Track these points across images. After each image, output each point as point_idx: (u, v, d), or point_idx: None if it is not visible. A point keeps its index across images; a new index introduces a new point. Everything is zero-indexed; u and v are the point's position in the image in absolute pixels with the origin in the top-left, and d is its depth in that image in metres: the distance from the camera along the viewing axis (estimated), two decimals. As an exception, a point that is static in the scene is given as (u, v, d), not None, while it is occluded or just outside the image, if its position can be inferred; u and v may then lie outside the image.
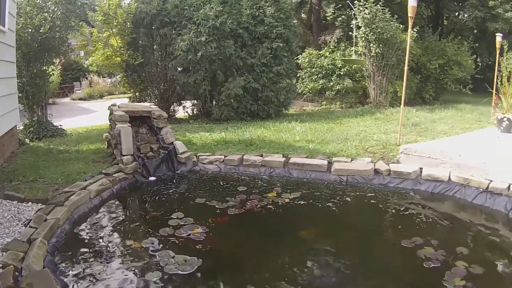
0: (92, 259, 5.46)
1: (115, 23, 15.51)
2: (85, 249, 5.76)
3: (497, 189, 7.45)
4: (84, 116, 21.68)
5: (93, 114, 21.88)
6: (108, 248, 5.80)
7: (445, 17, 31.54)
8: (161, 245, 5.84)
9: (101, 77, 34.61)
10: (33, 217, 6.11)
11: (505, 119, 10.60)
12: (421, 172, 8.45)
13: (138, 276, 5.07)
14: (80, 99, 31.56)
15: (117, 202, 7.71)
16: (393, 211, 7.40)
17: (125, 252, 5.70)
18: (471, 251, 5.79)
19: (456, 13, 28.90)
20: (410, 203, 7.66)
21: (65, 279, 4.92)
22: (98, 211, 7.10)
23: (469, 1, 25.40)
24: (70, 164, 9.16)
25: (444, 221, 6.88)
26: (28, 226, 5.88)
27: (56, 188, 7.54)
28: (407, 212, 7.22)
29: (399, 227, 6.89)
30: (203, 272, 5.22)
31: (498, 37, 13.22)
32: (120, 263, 5.38)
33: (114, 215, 7.09)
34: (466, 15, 27.30)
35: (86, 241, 6.04)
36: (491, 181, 7.62)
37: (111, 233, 6.34)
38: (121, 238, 6.20)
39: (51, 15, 13.07)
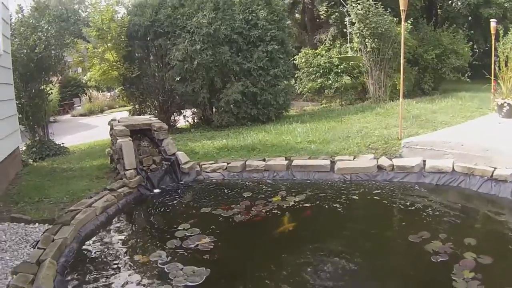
0: (101, 277, 5.47)
1: (110, 38, 15.55)
2: (94, 267, 5.78)
3: (501, 176, 7.44)
4: (85, 132, 21.73)
5: (95, 129, 21.94)
6: (117, 264, 5.82)
7: (438, 7, 31.46)
8: (169, 258, 5.85)
9: (100, 91, 34.70)
10: (40, 238, 6.13)
11: (505, 104, 10.56)
12: (424, 164, 8.44)
13: (148, 290, 5.10)
14: (81, 115, 31.65)
15: (123, 217, 7.73)
16: (399, 206, 7.39)
17: (134, 267, 5.73)
18: (479, 242, 5.76)
19: (449, 1, 28.85)
20: (415, 197, 7.66)
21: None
22: (105, 228, 7.12)
23: (462, -13, 25.44)
24: (75, 182, 9.18)
25: (450, 213, 6.89)
26: (36, 247, 5.90)
27: (62, 208, 7.54)
28: (413, 207, 7.21)
29: (406, 222, 6.88)
30: (212, 282, 5.24)
31: (492, 23, 13.18)
32: (129, 279, 5.39)
33: (121, 231, 7.13)
34: (459, 3, 27.22)
35: (94, 258, 6.06)
36: (495, 168, 7.61)
37: (119, 249, 6.37)
38: (129, 253, 6.20)
39: (45, 34, 13.05)
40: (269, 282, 5.22)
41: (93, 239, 6.66)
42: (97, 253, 6.23)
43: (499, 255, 5.48)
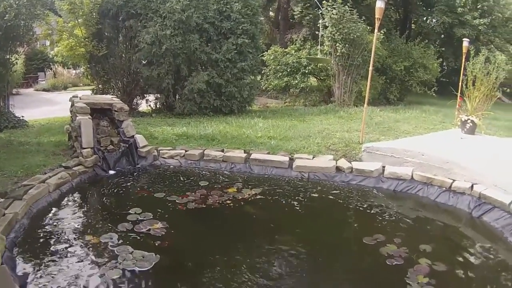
0: (51, 255, 5.44)
1: (81, 13, 15.29)
2: (44, 245, 5.73)
3: (460, 188, 7.65)
4: (47, 107, 21.27)
5: (57, 105, 21.45)
6: (67, 243, 5.77)
7: (413, 21, 31.86)
8: (120, 240, 5.83)
9: (65, 68, 34.15)
10: (-10, 211, 6.04)
11: (469, 121, 10.74)
12: (383, 170, 8.59)
13: (96, 272, 5.07)
14: (44, 90, 30.98)
15: (76, 196, 7.66)
16: (356, 208, 7.49)
17: (84, 247, 5.69)
18: (434, 249, 5.89)
19: (424, 18, 29.18)
20: (372, 200, 7.78)
21: (24, 276, 4.89)
22: (58, 205, 7.05)
23: (438, 6, 25.73)
24: (30, 157, 9.03)
25: (407, 219, 7.03)
26: (-15, 220, 5.81)
27: (16, 181, 7.44)
28: (369, 210, 7.33)
29: (362, 224, 7.00)
30: (161, 269, 5.23)
31: (465, 42, 13.48)
32: (78, 259, 5.35)
33: (73, 209, 7.05)
34: (434, 20, 27.58)
35: (45, 236, 5.99)
36: (454, 180, 7.81)
37: (70, 227, 6.30)
38: (80, 232, 6.16)
39: (16, 2, 12.77)
40: (217, 273, 5.23)
41: (44, 216, 6.59)
42: (47, 230, 6.16)
43: (453, 263, 5.62)
